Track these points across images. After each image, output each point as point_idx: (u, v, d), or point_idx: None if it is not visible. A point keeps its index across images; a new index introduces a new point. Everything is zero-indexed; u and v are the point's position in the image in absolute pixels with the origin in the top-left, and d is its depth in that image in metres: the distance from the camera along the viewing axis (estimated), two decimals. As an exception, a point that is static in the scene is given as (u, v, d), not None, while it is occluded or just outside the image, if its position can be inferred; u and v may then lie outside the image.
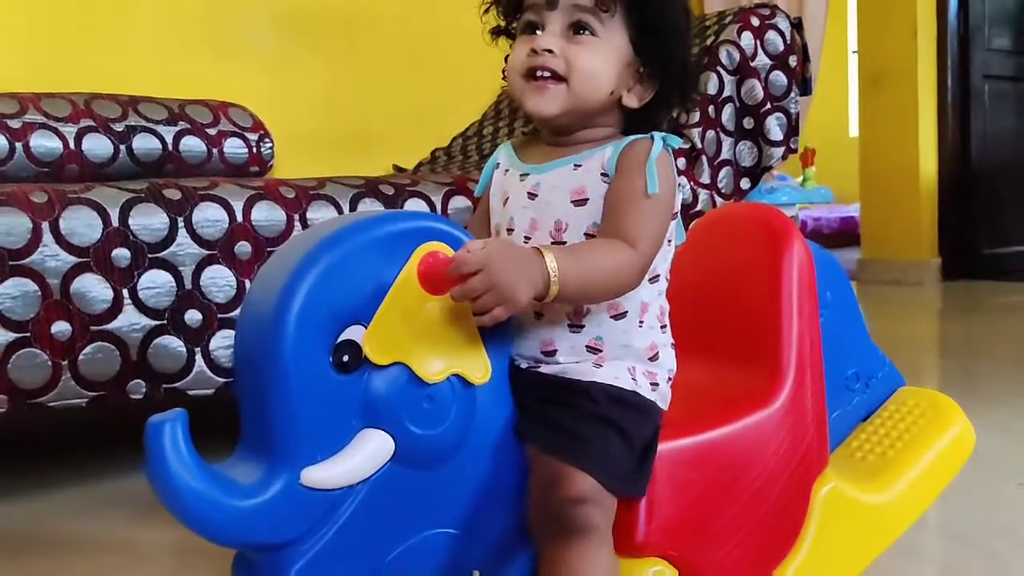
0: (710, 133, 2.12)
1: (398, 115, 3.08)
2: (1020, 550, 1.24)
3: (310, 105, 2.97)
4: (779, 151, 2.18)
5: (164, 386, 1.51)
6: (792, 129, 2.21)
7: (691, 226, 1.07)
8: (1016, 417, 1.89)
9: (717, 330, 0.98)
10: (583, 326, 0.85)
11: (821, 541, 0.91)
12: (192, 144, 2.39)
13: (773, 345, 0.92)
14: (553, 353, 0.86)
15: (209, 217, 1.56)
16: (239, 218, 1.58)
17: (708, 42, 2.19)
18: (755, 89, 2.17)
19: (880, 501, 0.96)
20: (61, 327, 1.44)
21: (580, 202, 0.86)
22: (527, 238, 0.88)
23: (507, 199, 0.91)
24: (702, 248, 1.05)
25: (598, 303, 0.85)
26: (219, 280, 1.55)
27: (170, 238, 1.52)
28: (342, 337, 0.73)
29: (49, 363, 1.43)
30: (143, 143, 2.31)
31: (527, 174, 0.90)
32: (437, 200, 1.78)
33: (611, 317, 0.86)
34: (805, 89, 2.28)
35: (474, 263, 0.73)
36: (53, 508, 1.55)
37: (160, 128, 2.34)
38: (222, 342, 1.54)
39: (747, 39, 2.19)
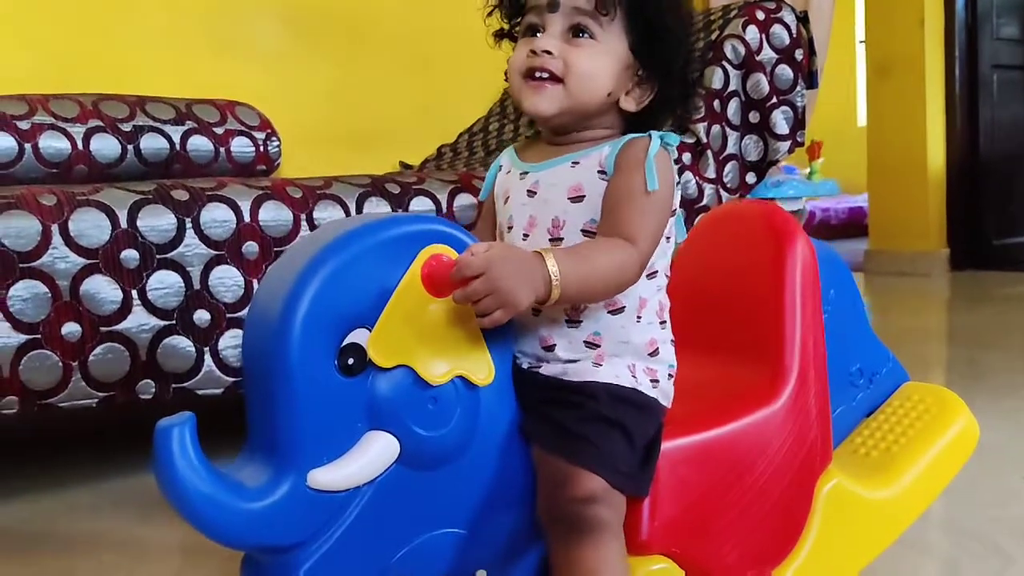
0: (715, 128, 2.12)
1: (404, 112, 3.09)
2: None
3: (317, 103, 2.98)
4: (785, 145, 2.18)
5: (173, 386, 1.52)
6: (798, 122, 2.21)
7: (695, 223, 1.07)
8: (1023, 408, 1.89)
9: (720, 328, 0.98)
10: (580, 321, 0.86)
11: (824, 537, 0.92)
12: (199, 143, 2.40)
13: (776, 343, 0.92)
14: (552, 348, 0.86)
15: (217, 218, 1.57)
16: (247, 218, 1.59)
17: (713, 36, 2.19)
18: (761, 83, 2.17)
19: (883, 497, 0.96)
20: (71, 328, 1.45)
21: (577, 199, 0.87)
22: (525, 235, 0.89)
23: (507, 198, 0.92)
24: (706, 245, 1.05)
25: (600, 301, 0.86)
26: (227, 280, 1.56)
27: (178, 239, 1.53)
28: (347, 340, 0.73)
29: (60, 364, 1.44)
30: (151, 143, 2.32)
31: (526, 172, 0.91)
32: (443, 198, 1.79)
33: (608, 312, 0.86)
34: (811, 82, 2.27)
35: (477, 266, 0.73)
36: (62, 507, 1.57)
37: (167, 128, 2.35)
38: (231, 342, 1.56)
39: (752, 33, 2.18)
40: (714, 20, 2.26)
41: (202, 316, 1.54)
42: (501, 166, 0.96)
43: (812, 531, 0.92)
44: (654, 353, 0.88)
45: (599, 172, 0.86)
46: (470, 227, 0.90)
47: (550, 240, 0.87)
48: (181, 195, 1.57)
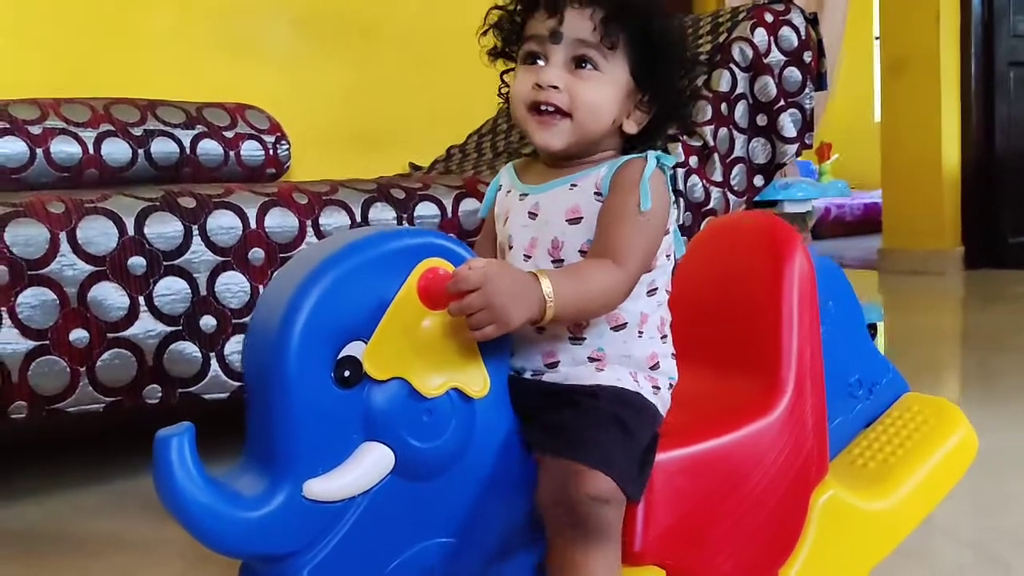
0: (723, 130, 2.12)
1: (413, 113, 3.09)
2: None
3: (326, 105, 2.99)
4: (793, 148, 2.17)
5: (179, 391, 1.54)
6: (807, 125, 2.20)
7: (701, 228, 1.07)
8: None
9: (718, 339, 0.99)
10: (584, 338, 0.87)
11: (819, 548, 0.92)
12: (209, 147, 2.41)
13: (773, 354, 0.93)
14: (555, 364, 0.87)
15: (223, 224, 1.58)
16: (252, 225, 1.60)
17: (721, 39, 2.19)
18: (769, 86, 2.16)
19: (879, 508, 0.96)
20: (79, 334, 1.47)
21: (574, 220, 0.87)
22: (527, 256, 0.90)
23: (507, 218, 0.93)
24: (705, 257, 1.05)
25: (591, 320, 0.86)
26: (233, 286, 1.58)
27: (185, 246, 1.55)
28: (343, 353, 0.74)
29: (67, 370, 1.46)
30: (161, 147, 2.33)
31: (526, 194, 0.92)
32: (448, 203, 1.80)
33: (611, 328, 0.87)
34: (820, 84, 2.26)
35: (474, 280, 0.74)
36: (69, 508, 1.58)
37: (178, 132, 2.37)
38: (236, 347, 1.57)
39: (760, 36, 2.18)
40: (722, 22, 2.25)
41: (208, 322, 1.56)
42: (501, 185, 0.97)
43: (807, 542, 0.92)
44: (655, 367, 0.89)
45: (595, 194, 0.87)
46: (475, 232, 0.90)
47: (552, 261, 0.88)
48: (188, 202, 1.58)
